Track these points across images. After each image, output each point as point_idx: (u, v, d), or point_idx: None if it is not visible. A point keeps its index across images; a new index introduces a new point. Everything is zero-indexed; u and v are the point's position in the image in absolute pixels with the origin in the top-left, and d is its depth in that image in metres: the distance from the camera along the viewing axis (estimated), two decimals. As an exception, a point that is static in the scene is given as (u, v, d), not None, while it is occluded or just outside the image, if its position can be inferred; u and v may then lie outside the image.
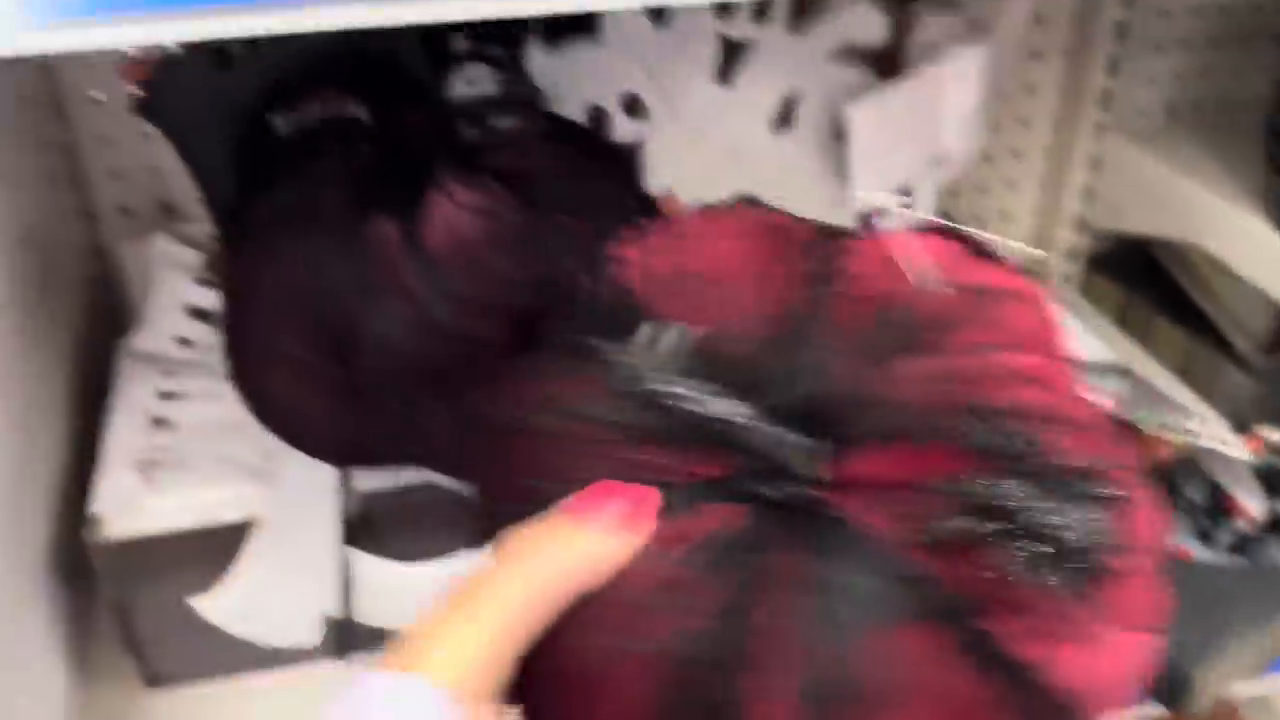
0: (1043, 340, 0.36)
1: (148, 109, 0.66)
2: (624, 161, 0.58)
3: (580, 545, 0.30)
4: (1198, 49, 0.92)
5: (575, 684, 0.31)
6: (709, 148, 0.71)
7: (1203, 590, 0.63)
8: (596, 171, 0.54)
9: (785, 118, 0.72)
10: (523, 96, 0.56)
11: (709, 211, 0.39)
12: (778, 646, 0.30)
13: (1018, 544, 0.31)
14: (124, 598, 0.55)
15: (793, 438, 0.31)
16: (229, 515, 0.55)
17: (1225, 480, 0.65)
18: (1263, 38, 0.93)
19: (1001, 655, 0.30)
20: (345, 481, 0.56)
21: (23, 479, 0.55)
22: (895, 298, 0.34)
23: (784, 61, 0.70)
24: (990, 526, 0.31)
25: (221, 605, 0.51)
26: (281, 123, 0.61)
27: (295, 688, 0.59)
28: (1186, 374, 0.89)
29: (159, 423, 0.60)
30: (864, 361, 0.33)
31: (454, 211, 0.49)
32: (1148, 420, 0.62)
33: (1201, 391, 0.87)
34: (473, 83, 0.60)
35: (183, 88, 0.64)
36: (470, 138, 0.53)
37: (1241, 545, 0.65)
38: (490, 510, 0.35)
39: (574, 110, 0.70)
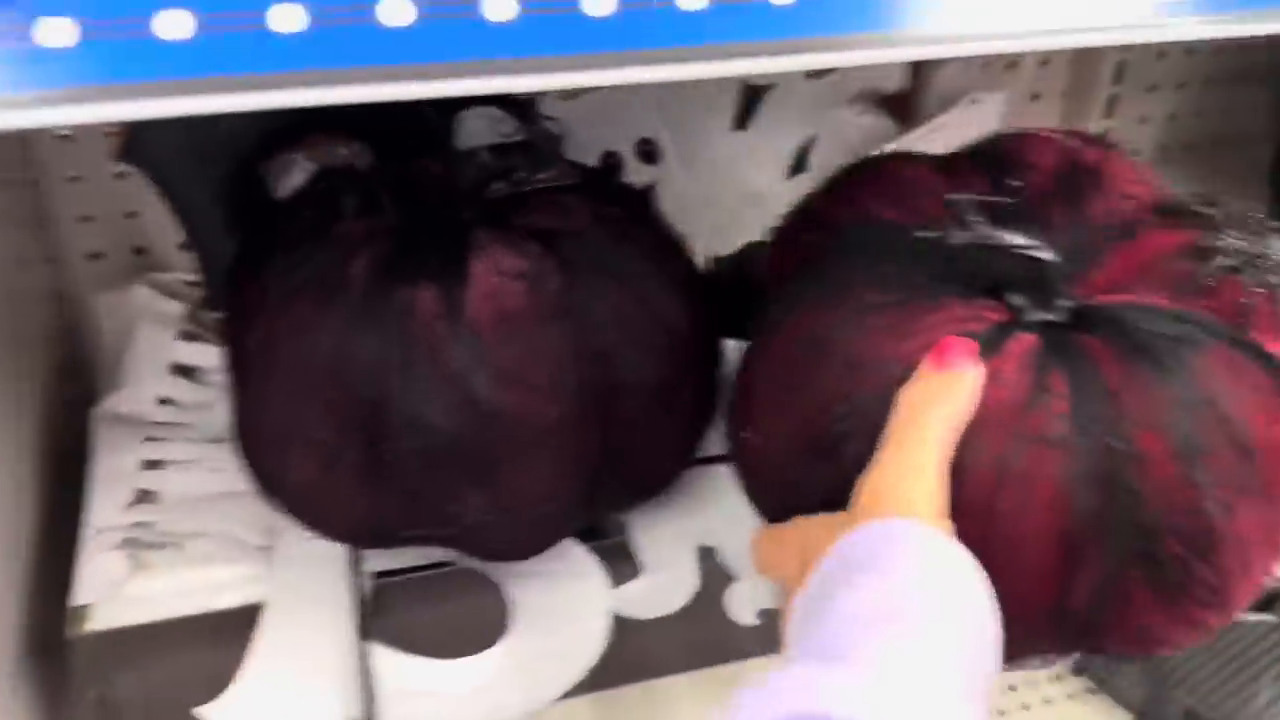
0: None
1: (128, 150, 0.61)
2: (654, 214, 0.55)
3: (960, 385, 0.38)
4: (1192, 89, 0.92)
5: (979, 490, 0.38)
6: (724, 193, 0.68)
7: (1233, 646, 0.62)
8: (632, 229, 0.50)
9: (801, 163, 0.70)
10: (544, 144, 0.52)
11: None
12: (1137, 408, 0.38)
13: (1253, 271, 0.42)
14: (110, 696, 0.50)
15: (1056, 260, 0.40)
16: (228, 600, 0.51)
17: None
18: (1253, 78, 0.93)
19: (1272, 356, 0.40)
20: (354, 559, 0.52)
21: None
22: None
23: (802, 107, 0.67)
24: (1231, 262, 0.41)
25: (230, 712, 0.46)
26: (276, 170, 0.57)
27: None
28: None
29: (144, 496, 0.56)
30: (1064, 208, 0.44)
31: (499, 280, 0.45)
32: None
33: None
34: (482, 128, 0.57)
35: (166, 126, 0.60)
36: (498, 192, 0.49)
37: (1270, 603, 0.64)
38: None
39: (587, 154, 0.66)
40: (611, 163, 0.66)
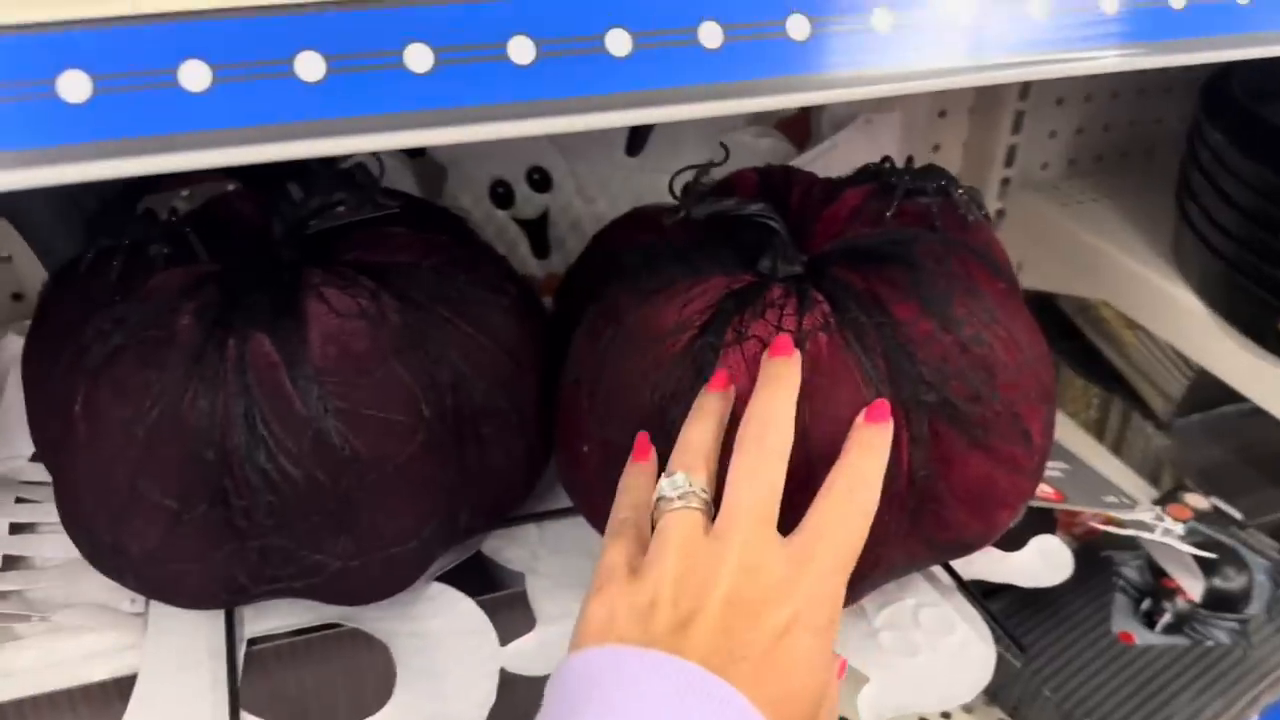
0: None
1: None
2: (476, 236, 0.54)
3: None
4: (1098, 102, 0.92)
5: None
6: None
7: (1144, 672, 0.61)
8: (461, 255, 0.50)
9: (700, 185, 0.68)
10: (359, 174, 0.50)
11: None
12: (888, 293, 0.46)
13: (930, 193, 0.52)
14: (-27, 777, 0.48)
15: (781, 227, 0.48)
16: (99, 672, 0.48)
17: (1162, 560, 0.64)
18: (1158, 90, 0.94)
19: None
20: (231, 625, 0.50)
21: None
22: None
23: (699, 131, 0.66)
24: (908, 187, 0.51)
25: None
26: (159, 205, 0.55)
27: None
28: (1099, 431, 0.88)
29: (11, 562, 0.53)
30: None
31: (338, 320, 0.43)
32: (1091, 509, 0.60)
33: (1114, 448, 0.87)
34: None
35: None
36: (318, 228, 0.47)
37: (1180, 624, 0.63)
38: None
39: (477, 183, 0.65)
40: (502, 191, 0.65)
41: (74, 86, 0.27)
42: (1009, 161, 0.90)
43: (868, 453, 0.41)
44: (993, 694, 0.63)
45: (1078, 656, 0.61)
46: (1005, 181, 0.91)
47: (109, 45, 0.27)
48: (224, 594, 0.47)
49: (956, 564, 0.55)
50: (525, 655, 0.49)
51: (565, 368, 0.50)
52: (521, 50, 0.30)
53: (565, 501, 0.55)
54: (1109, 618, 0.63)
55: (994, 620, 0.51)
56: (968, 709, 0.62)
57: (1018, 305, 0.49)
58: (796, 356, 0.43)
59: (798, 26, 0.34)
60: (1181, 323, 0.76)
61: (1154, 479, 0.82)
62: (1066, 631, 0.62)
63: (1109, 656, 0.61)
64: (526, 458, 0.51)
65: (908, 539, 0.46)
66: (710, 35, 0.33)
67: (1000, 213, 0.92)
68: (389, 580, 0.48)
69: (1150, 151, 0.97)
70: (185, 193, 0.62)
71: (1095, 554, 0.67)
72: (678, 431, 0.44)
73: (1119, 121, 0.95)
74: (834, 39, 0.35)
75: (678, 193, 0.49)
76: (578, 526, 0.55)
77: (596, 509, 0.51)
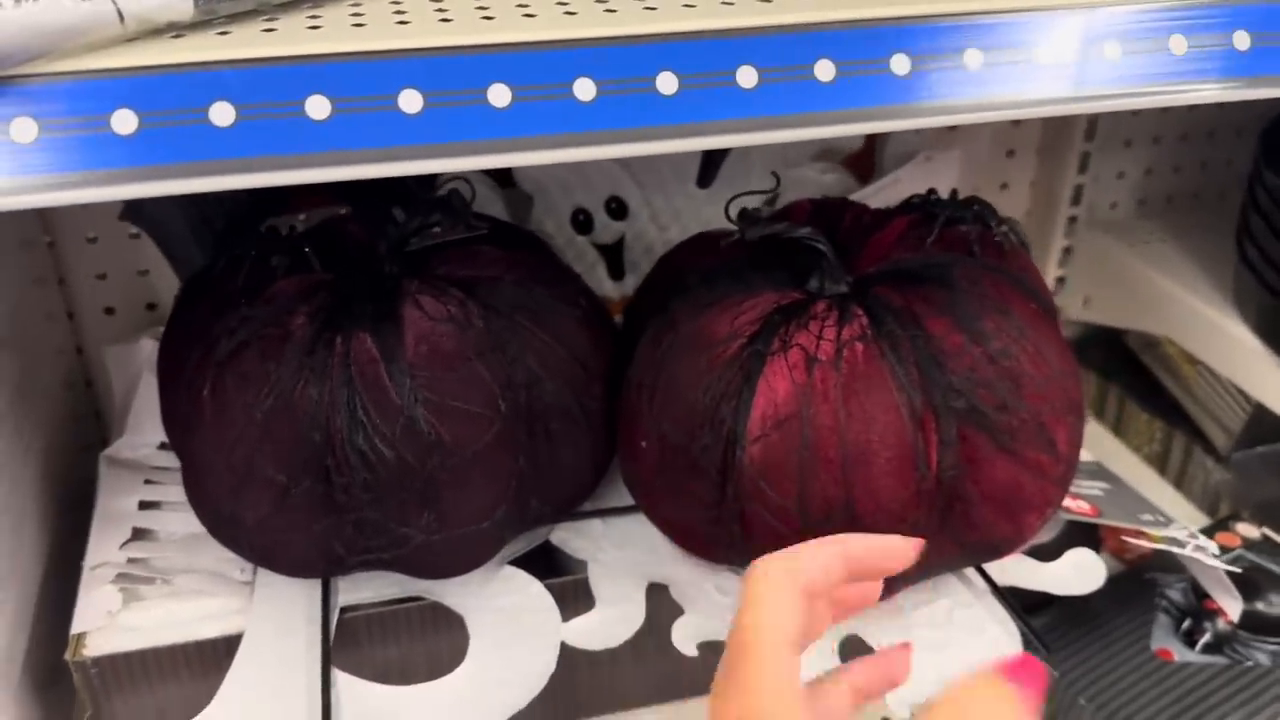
0: None
1: (132, 209, 0.67)
2: (554, 256, 0.61)
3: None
4: (1167, 144, 0.95)
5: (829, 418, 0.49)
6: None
7: (1180, 687, 0.63)
8: (539, 271, 0.56)
9: (765, 219, 0.74)
10: (455, 201, 0.56)
11: None
12: (924, 309, 0.51)
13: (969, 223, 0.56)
14: (102, 717, 0.55)
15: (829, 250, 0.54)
16: (210, 631, 0.55)
17: (1203, 580, 0.66)
18: (1229, 132, 0.96)
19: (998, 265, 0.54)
20: (327, 595, 0.56)
21: (1, 589, 0.54)
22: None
23: (765, 165, 0.71)
24: (949, 215, 0.56)
25: (204, 731, 0.50)
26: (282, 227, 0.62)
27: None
28: (1161, 463, 0.90)
29: (140, 534, 0.60)
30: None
31: (430, 324, 0.50)
32: (1126, 525, 0.63)
33: (1176, 481, 0.88)
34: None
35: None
36: (417, 246, 0.54)
37: (1220, 644, 0.65)
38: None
39: (560, 211, 0.71)
40: (583, 218, 0.71)
41: (222, 114, 0.34)
42: (1076, 200, 0.93)
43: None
44: (1033, 704, 0.65)
45: (1115, 669, 0.63)
46: (1072, 220, 0.94)
47: (251, 81, 0.34)
48: (323, 563, 0.53)
49: (994, 572, 0.58)
50: (584, 632, 0.54)
51: (628, 373, 0.55)
52: (585, 89, 0.36)
53: (628, 500, 0.60)
54: (1149, 635, 0.65)
55: (1023, 621, 0.54)
56: (1007, 716, 0.65)
57: (1049, 326, 0.53)
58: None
59: (900, 64, 0.39)
60: (1240, 358, 0.79)
61: (1212, 511, 0.83)
62: (1106, 646, 0.65)
63: (1146, 671, 0.63)
64: (591, 455, 0.57)
65: (938, 537, 0.50)
66: (825, 70, 0.38)
67: (1067, 250, 0.95)
68: (465, 556, 0.54)
69: (1223, 194, 0.99)
70: (302, 216, 0.70)
71: (1140, 576, 0.69)
72: (725, 428, 0.49)
73: (1190, 164, 0.97)
74: (931, 75, 0.40)
75: (735, 217, 0.54)
76: (638, 523, 0.60)
77: (653, 501, 0.56)
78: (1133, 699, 0.62)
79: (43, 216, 0.73)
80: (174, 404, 0.54)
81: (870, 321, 0.50)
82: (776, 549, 0.50)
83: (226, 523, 0.52)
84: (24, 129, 0.32)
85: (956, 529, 0.50)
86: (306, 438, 0.49)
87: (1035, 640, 0.54)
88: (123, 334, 0.75)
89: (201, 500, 0.53)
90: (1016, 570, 0.58)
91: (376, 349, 0.49)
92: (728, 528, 0.52)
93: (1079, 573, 0.59)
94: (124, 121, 0.33)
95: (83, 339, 0.77)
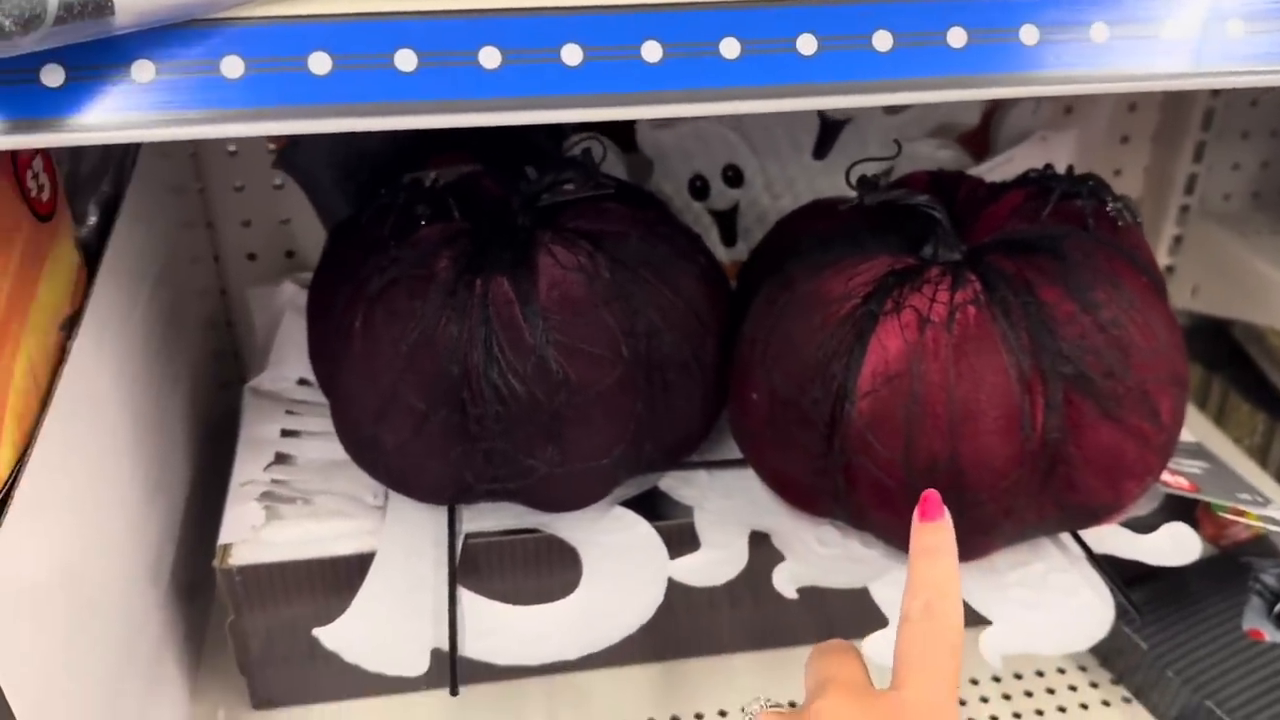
0: None
1: (285, 160, 0.71)
2: (675, 217, 0.63)
3: (950, 532, 0.42)
4: (1284, 136, 0.94)
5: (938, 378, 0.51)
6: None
7: (1270, 665, 0.64)
8: (661, 229, 0.59)
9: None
10: (584, 161, 0.60)
11: None
12: (1035, 276, 0.53)
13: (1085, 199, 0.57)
14: (243, 622, 0.59)
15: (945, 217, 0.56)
16: (344, 549, 0.59)
17: (1301, 565, 0.66)
18: (1350, 127, 0.95)
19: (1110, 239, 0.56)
20: (453, 523, 0.60)
21: (152, 505, 0.59)
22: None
23: (880, 139, 0.73)
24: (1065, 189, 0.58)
25: (340, 635, 0.54)
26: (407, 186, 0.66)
27: (397, 714, 0.62)
28: (1263, 456, 0.89)
29: (282, 459, 0.65)
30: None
31: (561, 272, 0.53)
32: (1223, 502, 0.64)
33: (1277, 474, 0.88)
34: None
35: (317, 143, 0.70)
36: (548, 202, 0.57)
37: (1316, 630, 0.66)
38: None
39: (678, 178, 0.74)
40: (700, 184, 0.74)
41: (405, 60, 0.37)
42: (1189, 189, 0.93)
43: (932, 559, 0.41)
44: (1119, 676, 0.67)
45: (1204, 646, 0.64)
46: (1184, 209, 0.94)
47: (431, 30, 0.37)
48: (451, 490, 0.57)
49: (1090, 541, 0.60)
50: (690, 569, 0.57)
51: (742, 329, 0.58)
52: (730, 48, 0.39)
53: (734, 454, 0.63)
54: (1240, 615, 0.66)
55: (1117, 587, 0.56)
56: (1092, 685, 0.66)
57: (1158, 300, 0.54)
58: (947, 519, 0.42)
59: (1029, 34, 0.41)
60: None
61: (1315, 506, 0.83)
62: (1197, 623, 0.66)
63: (1236, 649, 0.64)
64: (703, 406, 0.60)
65: (1039, 497, 0.52)
66: (956, 38, 0.40)
67: (1178, 239, 0.95)
68: (583, 491, 0.57)
69: (1338, 189, 0.98)
70: (433, 174, 0.74)
71: (1235, 559, 0.70)
72: (835, 383, 0.52)
73: (1306, 157, 0.96)
74: (1058, 45, 0.41)
75: (854, 183, 0.57)
76: (743, 477, 0.63)
77: (760, 452, 0.59)
78: (1220, 675, 0.63)
79: (195, 163, 0.78)
80: (324, 336, 0.58)
81: (983, 287, 0.52)
82: (879, 501, 0.53)
83: (368, 446, 0.57)
84: (232, 66, 0.36)
85: (1058, 491, 0.52)
86: (446, 370, 0.53)
87: (1129, 607, 0.56)
88: (263, 279, 0.80)
89: (346, 425, 0.57)
90: (1113, 540, 0.60)
91: (513, 291, 0.53)
92: (833, 480, 0.54)
93: (1175, 545, 0.60)
94: (320, 63, 0.37)
95: (226, 282, 0.82)
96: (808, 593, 0.57)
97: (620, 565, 0.58)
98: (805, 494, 0.58)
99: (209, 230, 0.81)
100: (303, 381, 0.71)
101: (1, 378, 0.44)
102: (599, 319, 0.53)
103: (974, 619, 0.54)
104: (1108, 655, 0.67)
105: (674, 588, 0.57)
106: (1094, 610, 0.55)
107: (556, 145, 0.68)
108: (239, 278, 0.82)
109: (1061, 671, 0.67)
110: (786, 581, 0.57)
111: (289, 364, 0.71)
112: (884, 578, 0.57)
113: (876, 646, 0.53)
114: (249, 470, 0.64)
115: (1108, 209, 0.57)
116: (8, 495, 0.42)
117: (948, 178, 0.62)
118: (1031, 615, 0.55)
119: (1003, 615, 0.55)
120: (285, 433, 0.67)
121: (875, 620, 0.55)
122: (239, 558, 0.58)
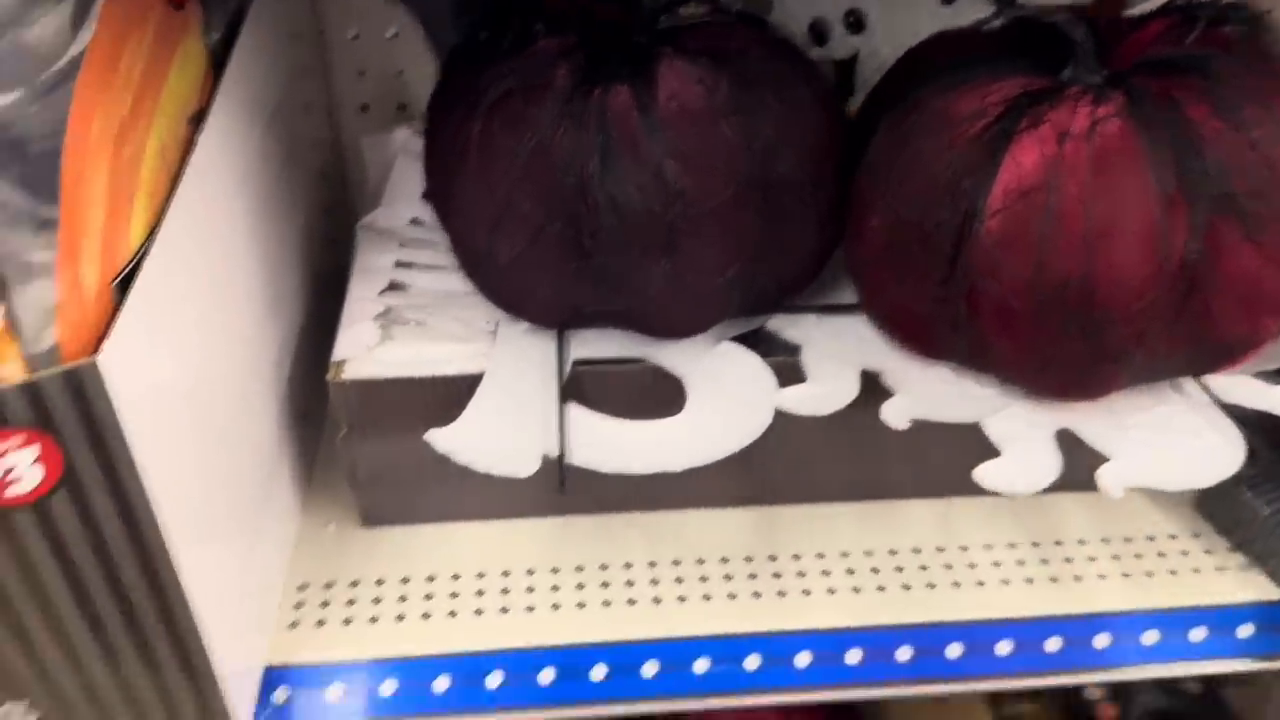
0: None
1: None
2: (793, 45, 0.61)
3: None
4: None
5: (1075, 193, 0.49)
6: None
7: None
8: (779, 52, 0.57)
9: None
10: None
11: None
12: (1182, 92, 0.51)
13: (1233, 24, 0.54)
14: (354, 438, 0.61)
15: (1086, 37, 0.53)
16: (455, 369, 0.60)
17: None
18: None
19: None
20: (561, 350, 0.60)
21: (270, 318, 0.61)
22: None
23: (1009, -11, 0.70)
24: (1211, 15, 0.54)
25: (452, 438, 0.55)
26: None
27: (504, 538, 0.64)
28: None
29: (395, 286, 0.66)
30: None
31: (681, 83, 0.52)
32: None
33: None
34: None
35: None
36: (667, 24, 0.56)
37: None
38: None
39: (799, 20, 0.72)
40: (820, 29, 0.72)
41: None
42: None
43: None
44: (1236, 544, 0.64)
45: (1331, 513, 0.62)
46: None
47: None
48: (563, 312, 0.57)
49: (1218, 391, 0.57)
50: (796, 399, 0.57)
51: (864, 158, 0.56)
52: None
53: (844, 299, 0.62)
54: (1373, 484, 0.63)
55: (1246, 429, 0.54)
56: (1207, 551, 0.64)
57: (1311, 126, 0.51)
58: None
59: None
60: None
61: None
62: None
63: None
64: (817, 238, 0.58)
65: (1173, 325, 0.50)
66: None
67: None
68: (695, 314, 0.57)
69: None
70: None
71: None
72: (964, 203, 0.50)
73: None
74: None
75: None
76: (854, 322, 0.62)
77: (876, 284, 0.58)
78: (1349, 544, 0.61)
79: (315, 12, 0.79)
80: (440, 151, 0.58)
81: (1127, 102, 0.49)
82: (1002, 327, 0.52)
83: (483, 259, 0.57)
84: None
85: (1192, 319, 0.50)
86: (562, 180, 0.52)
87: (1253, 451, 0.54)
88: (375, 130, 0.81)
89: (461, 238, 0.58)
90: (1242, 389, 0.57)
91: (632, 100, 0.52)
92: (953, 308, 0.53)
93: (1309, 398, 0.57)
94: None
95: (339, 132, 0.83)
96: (909, 446, 0.56)
97: (727, 393, 0.57)
98: (921, 327, 0.56)
99: (324, 79, 0.81)
100: (415, 221, 0.71)
101: (135, 153, 0.45)
102: (718, 132, 0.53)
103: (1087, 464, 0.53)
104: (1225, 522, 0.65)
105: (775, 437, 0.56)
106: (1220, 450, 0.53)
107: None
108: (352, 129, 0.83)
109: (1173, 537, 0.65)
110: (898, 414, 0.56)
111: (401, 205, 0.72)
112: (999, 414, 0.55)
113: (988, 473, 0.52)
114: (363, 293, 0.65)
115: (1258, 37, 0.54)
116: (138, 265, 0.44)
117: (1089, 8, 0.59)
118: (1154, 452, 0.53)
119: (1124, 452, 0.53)
120: (399, 263, 0.68)
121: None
122: (352, 373, 0.60)
